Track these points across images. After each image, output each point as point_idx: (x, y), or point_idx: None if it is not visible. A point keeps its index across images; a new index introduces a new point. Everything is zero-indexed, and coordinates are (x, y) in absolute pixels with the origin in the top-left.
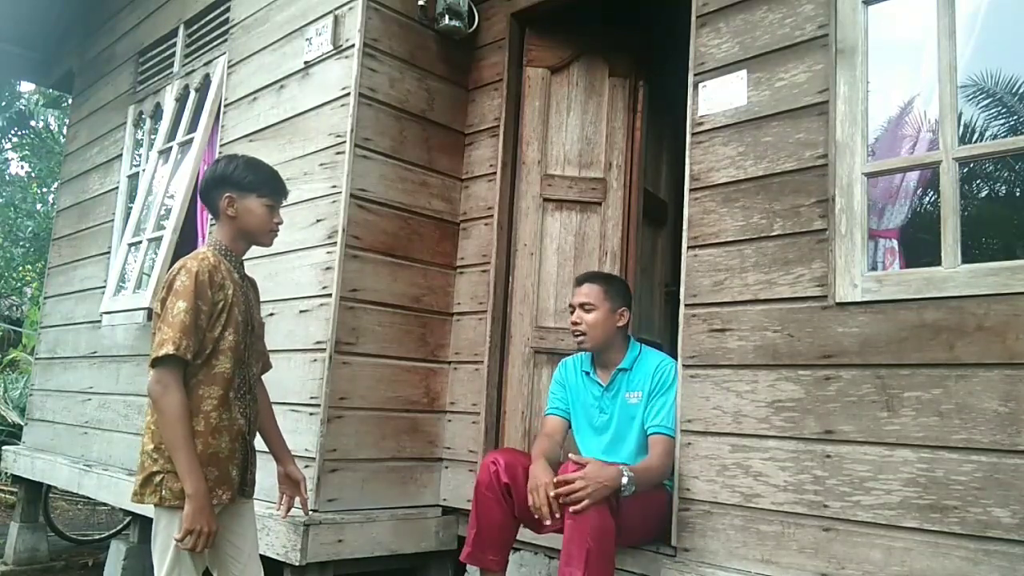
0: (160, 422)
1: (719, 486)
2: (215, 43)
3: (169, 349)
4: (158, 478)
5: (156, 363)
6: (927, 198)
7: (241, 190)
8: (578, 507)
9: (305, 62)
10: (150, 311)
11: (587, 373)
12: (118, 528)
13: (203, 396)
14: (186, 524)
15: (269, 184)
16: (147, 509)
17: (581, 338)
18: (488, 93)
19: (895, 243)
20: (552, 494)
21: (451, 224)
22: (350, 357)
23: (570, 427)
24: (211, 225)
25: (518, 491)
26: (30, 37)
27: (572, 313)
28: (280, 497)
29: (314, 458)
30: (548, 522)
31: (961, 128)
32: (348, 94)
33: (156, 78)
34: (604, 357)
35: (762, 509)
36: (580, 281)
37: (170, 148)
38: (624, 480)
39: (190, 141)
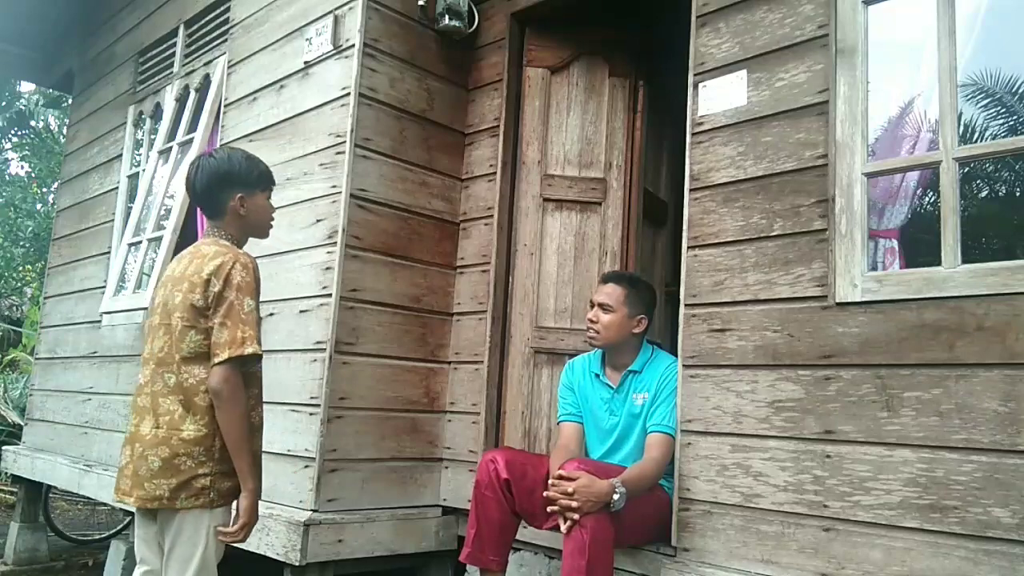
0: (227, 420)
1: (719, 486)
2: (215, 43)
3: (255, 348)
4: (205, 480)
5: (229, 361)
6: (927, 198)
7: (249, 187)
8: (564, 527)
9: (305, 62)
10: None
11: (597, 375)
12: (118, 528)
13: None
14: (244, 517)
15: (268, 178)
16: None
17: (593, 335)
18: (488, 93)
19: (895, 243)
20: (547, 494)
21: (451, 224)
22: (350, 357)
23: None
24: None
25: (518, 486)
26: (30, 37)
27: (591, 309)
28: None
29: (314, 458)
30: (563, 524)
31: (961, 128)
32: (348, 94)
33: (156, 78)
34: (614, 359)
35: (762, 509)
36: (606, 279)
37: (170, 148)
38: (615, 496)
39: (190, 141)
